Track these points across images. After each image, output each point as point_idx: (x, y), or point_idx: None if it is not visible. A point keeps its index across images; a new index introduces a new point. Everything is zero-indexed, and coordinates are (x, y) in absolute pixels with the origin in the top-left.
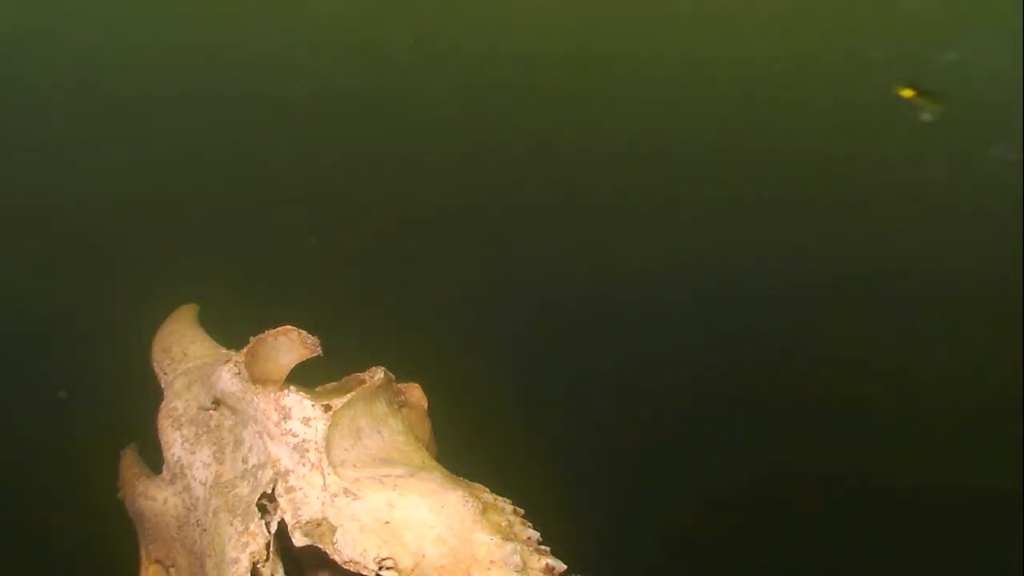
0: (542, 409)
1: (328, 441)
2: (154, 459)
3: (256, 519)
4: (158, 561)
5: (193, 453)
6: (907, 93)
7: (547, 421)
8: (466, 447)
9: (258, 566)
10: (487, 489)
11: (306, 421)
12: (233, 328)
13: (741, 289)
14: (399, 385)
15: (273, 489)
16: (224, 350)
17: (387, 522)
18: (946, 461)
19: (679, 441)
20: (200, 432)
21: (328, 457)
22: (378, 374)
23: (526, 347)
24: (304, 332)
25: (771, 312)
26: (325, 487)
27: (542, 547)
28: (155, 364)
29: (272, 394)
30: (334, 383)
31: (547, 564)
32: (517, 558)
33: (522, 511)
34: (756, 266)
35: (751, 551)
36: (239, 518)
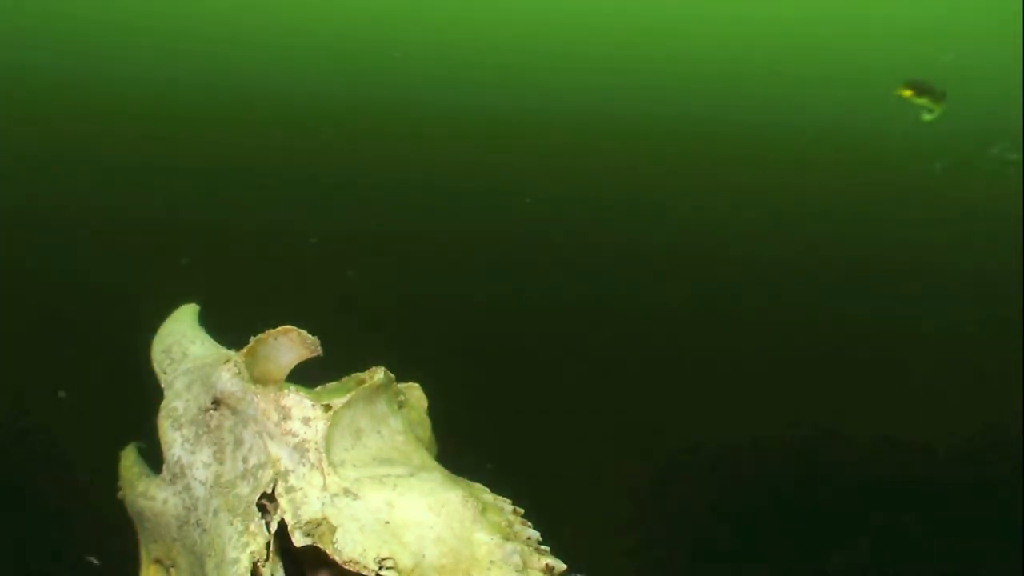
0: (542, 409)
1: (328, 441)
2: (154, 459)
3: (256, 519)
4: (158, 561)
5: (193, 453)
6: (907, 93)
7: (547, 421)
8: (466, 447)
9: (258, 566)
10: (487, 489)
11: (306, 421)
12: (233, 328)
13: (742, 286)
14: (399, 385)
15: (273, 489)
16: (224, 350)
17: (387, 522)
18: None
19: (682, 439)
20: (200, 432)
21: (328, 457)
22: (378, 374)
23: (527, 347)
24: (304, 332)
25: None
26: (325, 487)
27: (542, 547)
28: (155, 364)
29: (272, 394)
30: (334, 383)
31: (547, 564)
32: (517, 558)
33: (522, 511)
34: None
35: (756, 551)
36: (239, 518)
